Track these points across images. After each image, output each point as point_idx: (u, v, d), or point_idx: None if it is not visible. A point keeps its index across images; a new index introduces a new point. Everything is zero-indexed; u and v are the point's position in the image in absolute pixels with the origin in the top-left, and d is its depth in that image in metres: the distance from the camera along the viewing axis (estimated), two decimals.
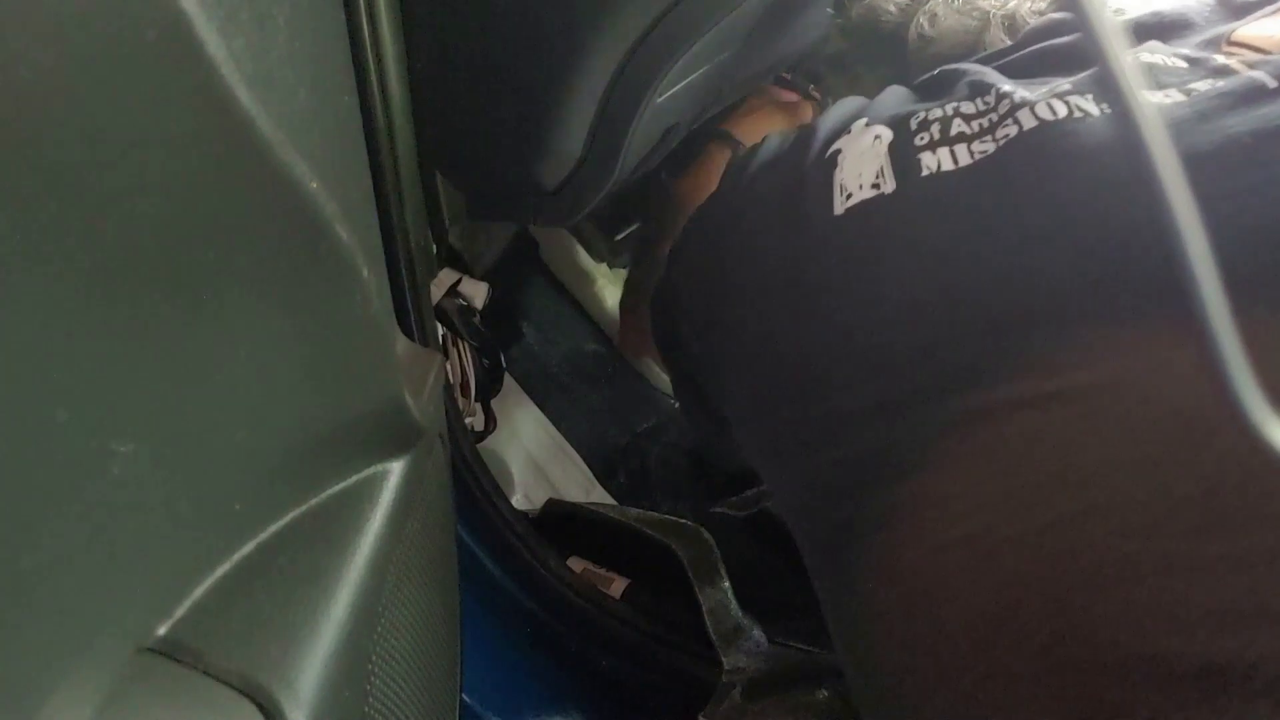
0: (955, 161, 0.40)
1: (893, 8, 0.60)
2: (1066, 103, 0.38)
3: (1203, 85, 0.37)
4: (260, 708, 0.27)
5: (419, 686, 0.41)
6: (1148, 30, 0.46)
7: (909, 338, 0.38)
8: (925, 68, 0.51)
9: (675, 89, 0.57)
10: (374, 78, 0.48)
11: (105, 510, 0.23)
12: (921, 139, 0.42)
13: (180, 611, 0.27)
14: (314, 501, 0.35)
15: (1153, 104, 0.27)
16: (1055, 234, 0.36)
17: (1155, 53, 0.42)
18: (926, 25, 0.56)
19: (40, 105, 0.17)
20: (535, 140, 0.56)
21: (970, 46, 0.55)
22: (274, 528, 0.32)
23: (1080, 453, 0.32)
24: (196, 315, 0.24)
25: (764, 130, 0.59)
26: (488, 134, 0.57)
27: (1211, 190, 0.32)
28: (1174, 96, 0.37)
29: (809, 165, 0.45)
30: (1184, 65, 0.40)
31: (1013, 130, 0.39)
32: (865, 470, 0.39)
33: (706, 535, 0.69)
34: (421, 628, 0.42)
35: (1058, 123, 0.38)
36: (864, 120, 0.46)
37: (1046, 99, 0.39)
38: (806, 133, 0.48)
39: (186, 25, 0.19)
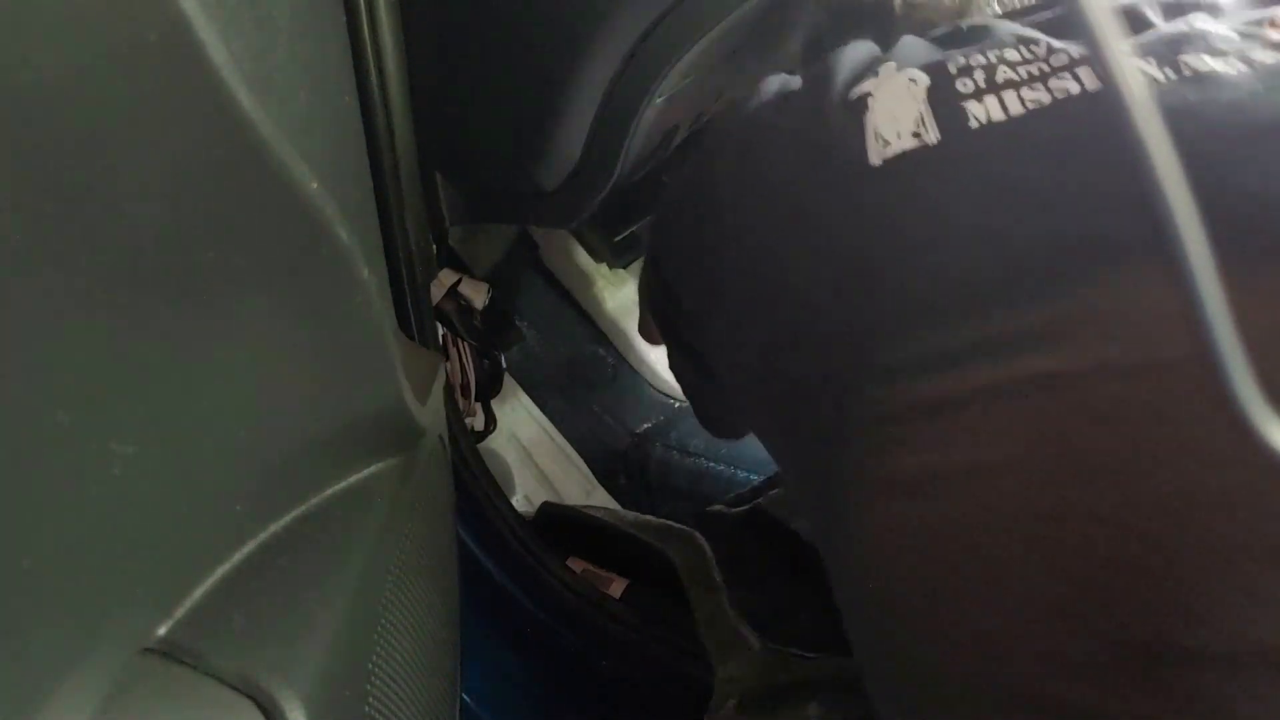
0: (1005, 111, 0.38)
1: None
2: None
3: (1266, 58, 0.36)
4: (260, 707, 0.27)
5: (419, 686, 0.41)
6: (1184, 6, 0.44)
7: (964, 297, 0.36)
8: (914, 34, 0.48)
9: (675, 91, 0.57)
10: (374, 79, 0.48)
11: (106, 511, 0.23)
12: (965, 85, 0.40)
13: (180, 612, 0.27)
14: (314, 501, 0.35)
15: (1141, 78, 0.27)
16: (1125, 196, 0.33)
17: (1206, 23, 0.40)
18: None
19: (42, 107, 0.17)
20: (535, 142, 0.56)
21: (961, 9, 0.53)
22: (274, 528, 0.32)
23: (1177, 428, 0.31)
24: (197, 316, 0.24)
25: None
26: (487, 136, 0.57)
27: None
28: (1235, 65, 0.36)
29: (832, 106, 0.42)
30: (1236, 38, 0.39)
31: (1074, 87, 0.37)
32: (895, 432, 0.37)
33: (701, 540, 0.69)
34: (421, 628, 0.42)
35: None
36: (893, 64, 0.42)
37: None
38: (819, 72, 0.44)
39: (187, 27, 0.19)
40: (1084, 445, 0.33)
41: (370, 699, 0.34)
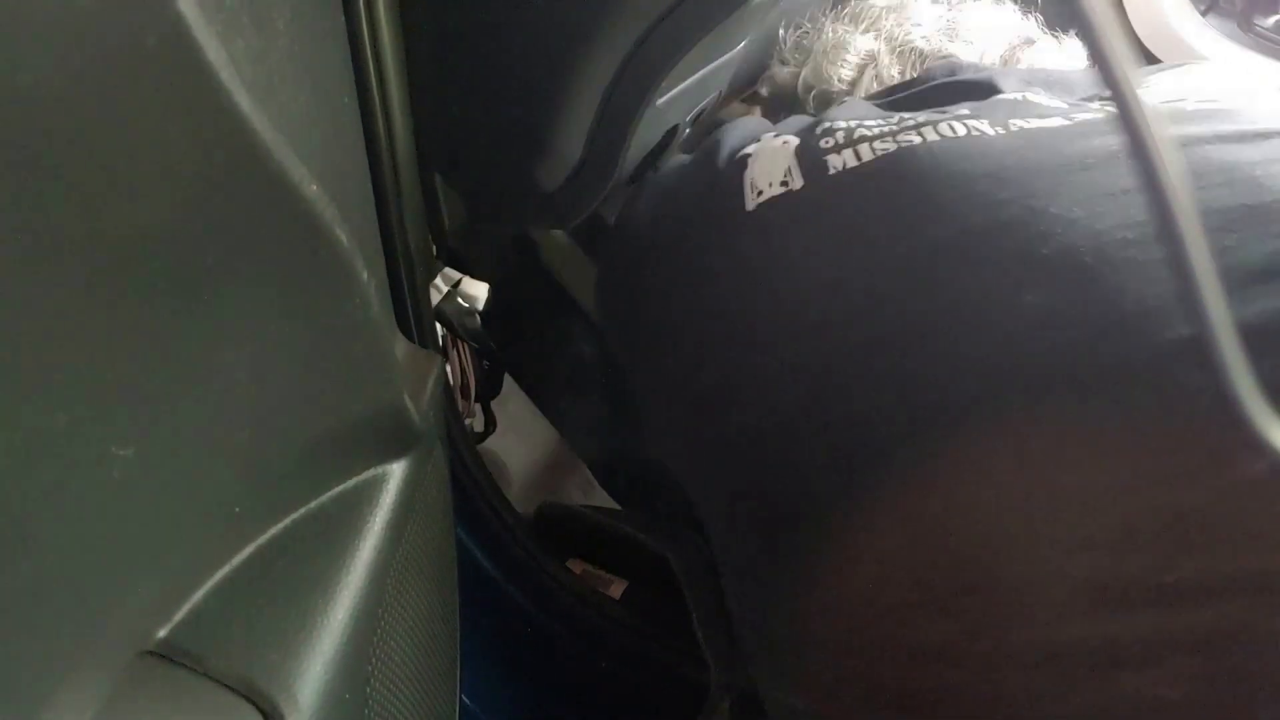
0: (859, 158, 0.45)
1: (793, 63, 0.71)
2: (966, 124, 0.45)
3: (1082, 115, 0.45)
4: (260, 710, 0.27)
5: (418, 689, 0.41)
6: (1032, 78, 0.55)
7: (814, 333, 0.42)
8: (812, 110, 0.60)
9: (675, 91, 0.57)
10: (374, 80, 0.48)
11: (105, 514, 0.23)
12: (827, 143, 0.47)
13: (180, 615, 0.27)
14: (313, 504, 0.35)
15: (1155, 106, 0.30)
16: (953, 243, 0.40)
17: (1038, 96, 0.50)
18: (810, 76, 0.67)
19: (42, 110, 0.17)
20: (535, 143, 0.56)
21: (850, 89, 0.65)
22: (273, 531, 0.32)
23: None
24: (196, 319, 0.24)
25: None
26: (487, 136, 0.57)
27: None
28: (1055, 123, 0.45)
29: (720, 167, 0.50)
30: (1063, 105, 0.48)
31: (915, 139, 0.44)
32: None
33: (700, 542, 0.69)
34: (421, 630, 0.42)
35: (958, 140, 0.44)
36: (772, 132, 0.51)
37: (949, 120, 0.45)
38: (711, 143, 0.54)
39: (186, 30, 0.19)
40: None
41: (370, 701, 0.34)
